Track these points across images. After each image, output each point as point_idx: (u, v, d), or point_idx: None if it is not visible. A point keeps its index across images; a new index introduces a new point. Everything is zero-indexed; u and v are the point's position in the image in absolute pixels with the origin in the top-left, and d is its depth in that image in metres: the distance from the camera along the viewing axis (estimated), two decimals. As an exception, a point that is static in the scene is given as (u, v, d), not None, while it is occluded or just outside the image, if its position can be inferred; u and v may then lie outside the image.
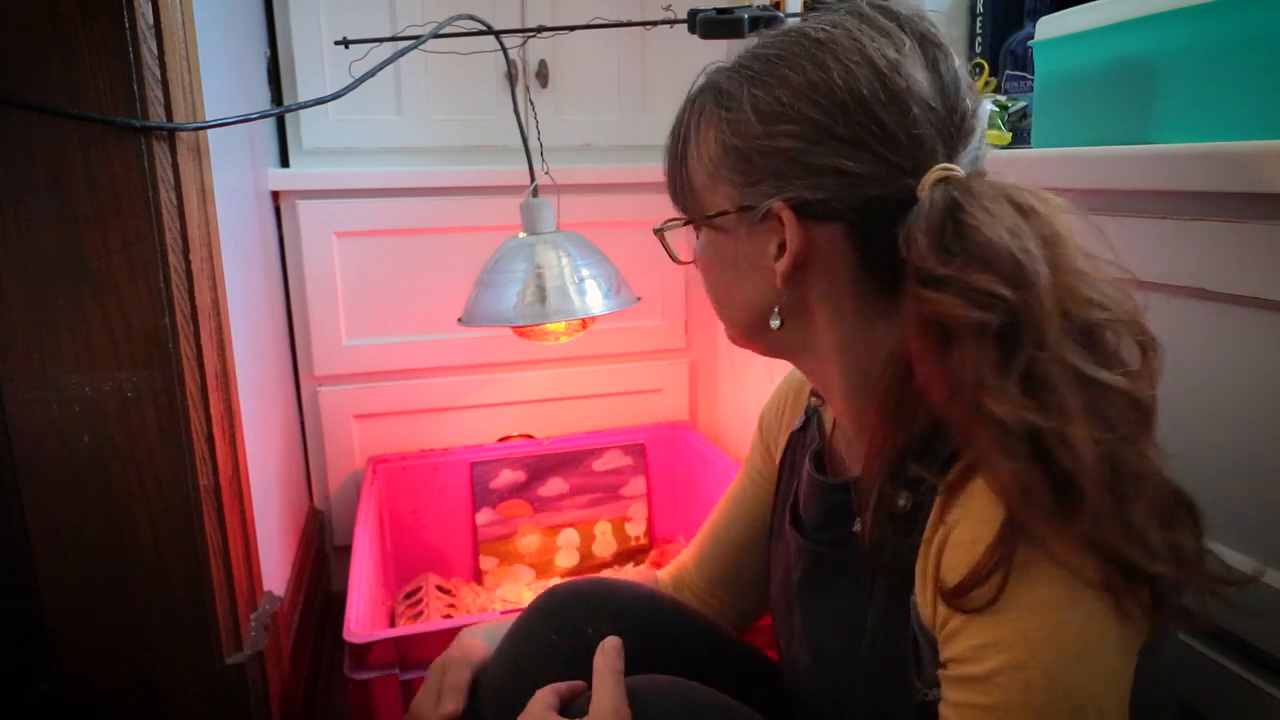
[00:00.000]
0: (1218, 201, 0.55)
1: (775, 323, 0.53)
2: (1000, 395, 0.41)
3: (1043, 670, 0.40)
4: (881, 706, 0.52)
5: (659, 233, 0.60)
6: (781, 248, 0.50)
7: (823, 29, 0.49)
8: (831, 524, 0.58)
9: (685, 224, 0.57)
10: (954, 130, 0.48)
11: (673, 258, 0.61)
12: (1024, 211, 0.43)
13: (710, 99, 0.53)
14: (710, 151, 0.52)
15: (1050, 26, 0.74)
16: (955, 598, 0.43)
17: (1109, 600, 0.41)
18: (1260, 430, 0.54)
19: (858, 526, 0.54)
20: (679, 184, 0.57)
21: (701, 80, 0.55)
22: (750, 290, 0.54)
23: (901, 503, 0.48)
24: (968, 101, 0.49)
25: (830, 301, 0.52)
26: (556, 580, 1.42)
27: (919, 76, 0.47)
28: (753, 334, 0.57)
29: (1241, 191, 0.53)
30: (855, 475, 0.55)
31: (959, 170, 0.46)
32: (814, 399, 0.68)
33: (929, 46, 0.48)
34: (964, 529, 0.44)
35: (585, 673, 0.59)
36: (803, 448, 0.66)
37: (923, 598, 0.47)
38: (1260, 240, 0.52)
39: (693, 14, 1.00)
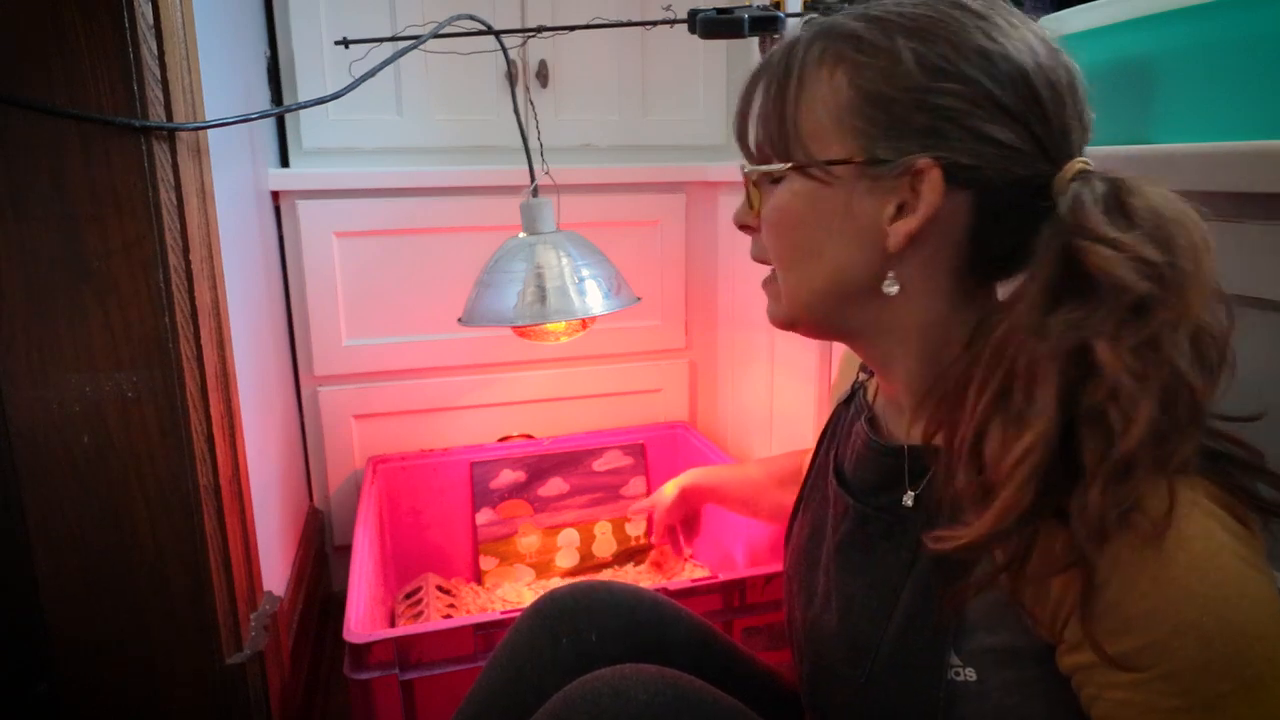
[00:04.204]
0: (1218, 201, 0.55)
1: (893, 288, 0.50)
2: (1110, 345, 0.41)
3: (1216, 620, 0.40)
4: (905, 680, 0.51)
5: (751, 180, 0.54)
6: (901, 209, 0.48)
7: (976, 4, 0.48)
8: (883, 488, 0.57)
9: (789, 170, 0.51)
10: (1083, 135, 0.49)
11: (751, 206, 0.55)
12: (1181, 214, 0.44)
13: (843, 44, 0.49)
14: (841, 96, 0.49)
15: (1050, 26, 0.74)
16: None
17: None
18: (1261, 431, 0.54)
19: (908, 500, 0.54)
20: (778, 126, 0.51)
21: (815, 28, 0.51)
22: (843, 251, 0.50)
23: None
24: (1091, 113, 0.49)
25: (929, 274, 0.50)
26: (557, 580, 1.43)
27: (1067, 75, 0.48)
28: (826, 303, 0.53)
29: (1241, 191, 0.53)
30: (912, 443, 0.54)
31: (1092, 166, 0.46)
32: (862, 374, 0.67)
33: (1065, 54, 0.49)
34: None
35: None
36: (847, 418, 0.66)
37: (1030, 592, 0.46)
38: (1260, 240, 0.52)
39: (693, 14, 1.00)
